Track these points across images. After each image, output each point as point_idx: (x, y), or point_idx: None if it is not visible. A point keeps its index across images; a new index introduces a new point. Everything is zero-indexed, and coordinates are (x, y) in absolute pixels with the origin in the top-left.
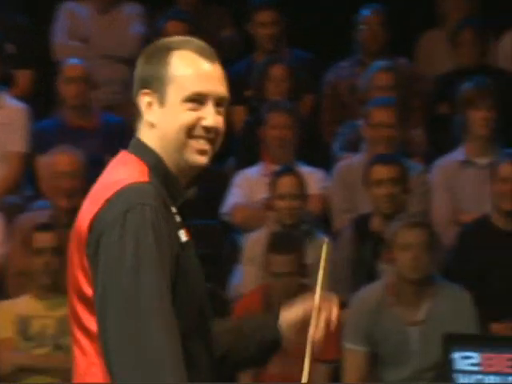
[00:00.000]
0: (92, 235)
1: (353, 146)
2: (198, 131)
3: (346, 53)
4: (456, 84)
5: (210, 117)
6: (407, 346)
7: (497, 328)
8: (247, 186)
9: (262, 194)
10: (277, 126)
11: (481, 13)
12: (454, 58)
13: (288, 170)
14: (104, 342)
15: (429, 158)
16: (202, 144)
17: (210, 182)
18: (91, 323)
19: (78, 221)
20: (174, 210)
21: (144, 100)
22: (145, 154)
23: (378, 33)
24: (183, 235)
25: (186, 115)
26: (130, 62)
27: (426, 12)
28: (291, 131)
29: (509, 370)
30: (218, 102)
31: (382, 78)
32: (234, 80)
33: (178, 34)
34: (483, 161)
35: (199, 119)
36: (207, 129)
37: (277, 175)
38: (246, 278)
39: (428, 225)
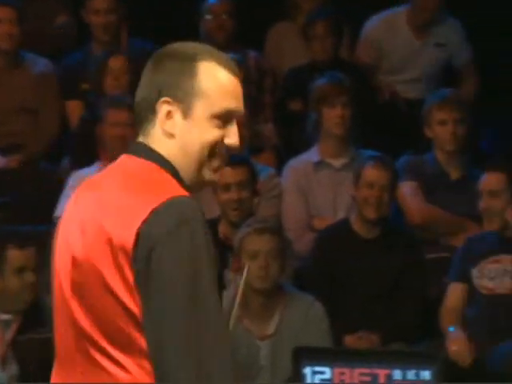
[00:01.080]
0: (141, 249)
1: None
2: (220, 149)
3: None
4: (309, 79)
5: (235, 136)
6: (257, 360)
7: (350, 341)
8: None
9: None
10: (116, 124)
11: (333, 4)
12: (306, 51)
13: None
14: (163, 355)
15: (280, 156)
16: (219, 162)
17: (42, 184)
18: (137, 339)
19: (103, 232)
20: None
21: (164, 108)
22: (164, 163)
23: (225, 23)
24: None
25: (214, 133)
26: None
27: (276, 2)
28: (132, 129)
29: None
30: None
31: None
32: (69, 72)
33: (5, 20)
34: (339, 162)
35: (223, 137)
36: (229, 148)
37: None
38: None
39: (278, 231)
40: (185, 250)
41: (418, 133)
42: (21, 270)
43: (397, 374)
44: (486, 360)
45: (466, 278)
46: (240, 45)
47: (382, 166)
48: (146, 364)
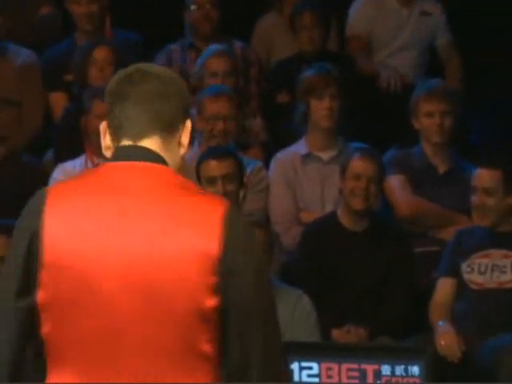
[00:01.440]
0: (224, 256)
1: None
2: None
3: (179, 34)
4: (296, 71)
5: None
6: None
7: (337, 334)
8: None
9: None
10: (101, 115)
11: None
12: (293, 43)
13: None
14: (250, 363)
15: (268, 151)
16: None
17: (26, 177)
18: (210, 347)
19: (184, 242)
20: None
21: (188, 126)
22: (174, 170)
23: (210, 13)
24: None
25: None
26: None
27: None
28: None
29: (349, 381)
30: None
31: (218, 63)
32: (54, 63)
33: None
34: (327, 155)
35: None
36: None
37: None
38: None
39: (264, 224)
40: (256, 252)
41: (407, 125)
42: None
43: (385, 370)
44: (475, 355)
45: (455, 273)
46: (226, 35)
47: (368, 157)
48: (211, 370)
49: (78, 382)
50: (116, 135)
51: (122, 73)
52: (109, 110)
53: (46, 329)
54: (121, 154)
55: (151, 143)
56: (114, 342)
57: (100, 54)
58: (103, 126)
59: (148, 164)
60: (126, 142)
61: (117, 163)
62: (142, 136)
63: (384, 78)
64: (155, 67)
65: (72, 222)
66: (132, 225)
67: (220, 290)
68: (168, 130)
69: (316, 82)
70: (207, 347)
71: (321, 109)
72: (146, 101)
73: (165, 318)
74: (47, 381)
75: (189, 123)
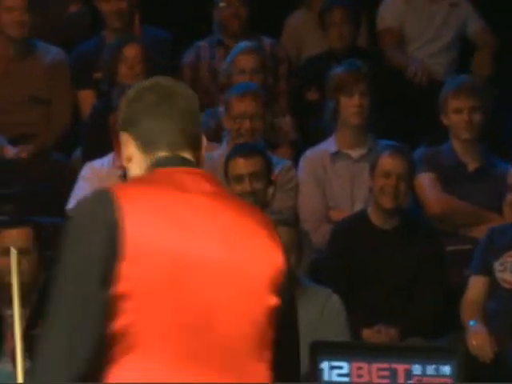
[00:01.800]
0: (285, 272)
1: (214, 136)
2: None
3: (207, 31)
4: (326, 68)
5: None
6: None
7: (368, 334)
8: (96, 179)
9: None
10: None
11: None
12: (323, 39)
13: None
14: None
15: (297, 150)
16: None
17: (55, 175)
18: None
19: (263, 252)
20: None
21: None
22: None
23: (239, 11)
24: None
25: None
26: None
27: None
28: None
29: (379, 381)
30: None
31: (246, 60)
32: (82, 61)
33: (15, 8)
34: (357, 152)
35: None
36: None
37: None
38: None
39: (294, 223)
40: None
41: (436, 121)
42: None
43: (416, 369)
44: (507, 355)
45: (487, 271)
46: (255, 32)
47: (398, 155)
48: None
49: (165, 374)
50: (147, 147)
51: (145, 86)
52: (132, 121)
53: (122, 321)
54: (167, 162)
55: (189, 155)
56: (200, 335)
57: (130, 51)
58: (125, 136)
59: (201, 170)
60: (163, 154)
61: (171, 168)
62: (179, 149)
63: (411, 71)
64: (175, 82)
65: (150, 217)
66: (207, 224)
67: (280, 293)
68: (196, 147)
69: (346, 79)
70: (270, 344)
71: (350, 106)
72: (178, 117)
73: (245, 313)
74: (116, 373)
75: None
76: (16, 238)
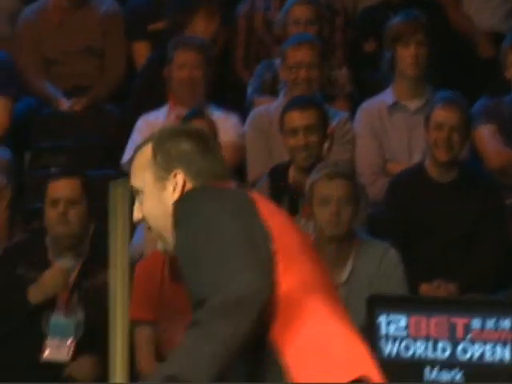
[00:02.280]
0: None
1: (270, 89)
2: None
3: None
4: (383, 18)
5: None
6: None
7: (426, 289)
8: (151, 132)
9: None
10: (184, 65)
11: None
12: None
13: (198, 113)
14: None
15: (354, 102)
16: None
17: (109, 128)
18: None
19: None
20: None
21: None
22: None
23: None
24: None
25: None
26: None
27: None
28: (201, 70)
29: (438, 335)
30: (136, 193)
31: (301, 11)
32: (137, 12)
33: None
34: (414, 104)
35: None
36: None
37: (185, 120)
38: (148, 237)
39: (350, 176)
40: None
41: (498, 73)
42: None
43: (476, 323)
44: None
45: None
46: None
47: (451, 106)
48: None
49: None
50: (199, 177)
51: (187, 131)
52: (187, 157)
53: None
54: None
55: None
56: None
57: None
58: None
59: None
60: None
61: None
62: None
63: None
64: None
65: (271, 210)
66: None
67: None
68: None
69: (403, 29)
70: None
71: (407, 56)
72: (217, 153)
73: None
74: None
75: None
76: (64, 188)
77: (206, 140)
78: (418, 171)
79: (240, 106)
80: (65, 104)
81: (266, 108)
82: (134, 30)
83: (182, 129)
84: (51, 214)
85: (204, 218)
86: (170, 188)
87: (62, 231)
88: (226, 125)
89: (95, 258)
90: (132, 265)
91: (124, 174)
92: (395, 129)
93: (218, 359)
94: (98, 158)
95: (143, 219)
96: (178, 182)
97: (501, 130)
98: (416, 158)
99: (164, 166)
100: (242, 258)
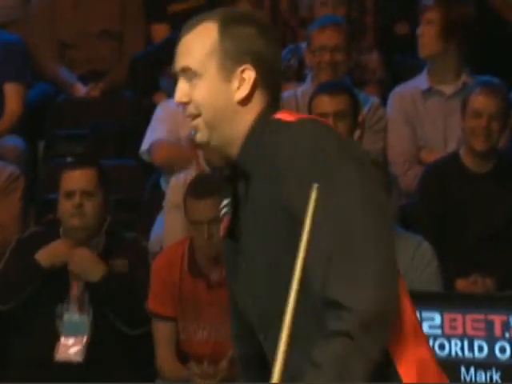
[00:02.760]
0: None
1: (296, 74)
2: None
3: None
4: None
5: (175, 93)
6: None
7: (462, 285)
8: (171, 120)
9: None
10: None
11: None
12: None
13: None
14: None
15: (385, 87)
16: (190, 122)
17: (127, 115)
18: None
19: None
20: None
21: None
22: None
23: None
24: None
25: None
26: None
27: None
28: None
29: (474, 333)
30: (184, 74)
31: None
32: None
33: None
34: (450, 89)
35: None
36: (179, 105)
37: None
38: (169, 228)
39: (382, 165)
40: None
41: None
42: (80, 194)
43: None
44: None
45: None
46: None
47: (490, 92)
48: None
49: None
50: (269, 81)
51: (259, 23)
52: (259, 54)
53: None
54: None
55: None
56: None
57: None
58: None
59: None
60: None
61: None
62: None
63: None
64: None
65: None
66: None
67: None
68: None
69: (437, 11)
70: None
71: None
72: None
73: None
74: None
75: None
76: (79, 179)
77: (275, 35)
78: (453, 160)
79: None
80: (81, 90)
81: (293, 93)
82: (154, 11)
83: (253, 17)
84: (66, 206)
85: (357, 183)
86: (235, 83)
87: (77, 224)
88: None
89: (110, 251)
90: (151, 258)
91: (143, 165)
92: (430, 115)
93: (368, 377)
94: (116, 147)
95: (189, 104)
96: (247, 80)
97: None
98: (451, 146)
99: (233, 55)
100: (388, 253)
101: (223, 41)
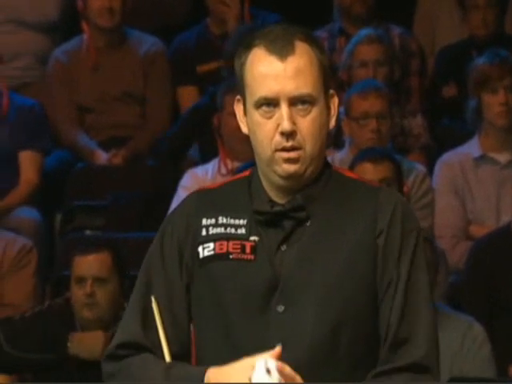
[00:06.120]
0: None
1: (334, 140)
2: (278, 140)
3: (327, 17)
4: (466, 59)
5: (282, 120)
6: None
7: None
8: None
9: None
10: (234, 113)
11: None
12: (462, 26)
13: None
14: None
15: (431, 154)
16: (287, 154)
17: (151, 184)
18: None
19: None
20: (238, 221)
21: (237, 108)
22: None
23: None
24: (207, 250)
25: (261, 124)
26: (47, 30)
27: None
28: None
29: None
30: (296, 101)
31: (367, 50)
32: (183, 52)
33: None
34: (504, 157)
35: (277, 126)
36: (285, 134)
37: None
38: None
39: (428, 240)
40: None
41: None
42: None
43: None
44: None
45: None
46: (383, 19)
47: None
48: None
49: None
50: None
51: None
52: None
53: None
54: None
55: None
56: None
57: None
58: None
59: None
60: None
61: None
62: None
63: None
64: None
65: None
66: None
67: None
68: None
69: (489, 73)
70: None
71: (495, 104)
72: None
73: None
74: None
75: (237, 106)
76: (91, 265)
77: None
78: (505, 234)
79: None
80: (101, 157)
81: (330, 159)
82: (181, 72)
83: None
84: (77, 294)
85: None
86: (332, 109)
87: (89, 316)
88: None
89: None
90: None
91: None
92: (481, 185)
93: None
94: (138, 219)
95: (295, 135)
96: (335, 106)
97: None
98: (505, 219)
99: (330, 75)
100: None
101: (323, 59)
